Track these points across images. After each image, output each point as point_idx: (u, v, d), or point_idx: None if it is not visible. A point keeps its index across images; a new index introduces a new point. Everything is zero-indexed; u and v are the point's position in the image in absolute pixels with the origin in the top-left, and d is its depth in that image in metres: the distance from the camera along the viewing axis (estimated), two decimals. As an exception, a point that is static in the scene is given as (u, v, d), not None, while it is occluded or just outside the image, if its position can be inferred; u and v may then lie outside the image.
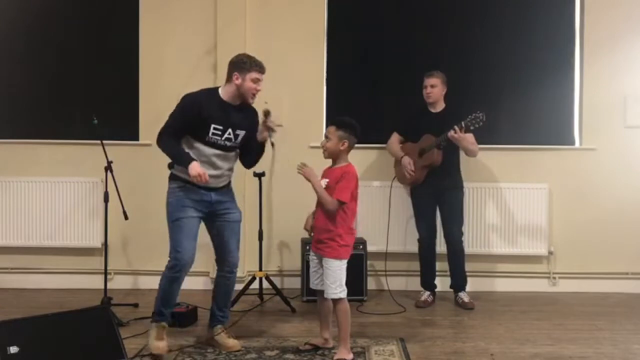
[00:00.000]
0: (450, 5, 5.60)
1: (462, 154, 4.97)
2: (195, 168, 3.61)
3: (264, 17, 5.47)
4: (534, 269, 5.47)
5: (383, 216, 5.25)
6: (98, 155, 4.55)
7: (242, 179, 5.30)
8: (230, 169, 3.92)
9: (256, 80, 3.76)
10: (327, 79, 5.56)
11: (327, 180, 3.71)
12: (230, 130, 3.76)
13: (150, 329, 3.86)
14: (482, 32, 5.54)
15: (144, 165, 5.39)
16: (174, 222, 3.76)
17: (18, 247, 5.44)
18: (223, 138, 3.75)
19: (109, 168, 4.51)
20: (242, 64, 3.76)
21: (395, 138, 5.13)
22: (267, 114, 3.86)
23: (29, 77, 5.60)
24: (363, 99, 5.57)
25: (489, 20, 5.56)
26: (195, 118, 3.70)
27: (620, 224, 5.40)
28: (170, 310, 3.90)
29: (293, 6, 5.50)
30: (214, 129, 3.72)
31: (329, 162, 3.82)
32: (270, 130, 3.85)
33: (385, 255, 5.17)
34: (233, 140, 3.80)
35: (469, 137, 4.79)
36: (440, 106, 4.99)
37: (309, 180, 3.70)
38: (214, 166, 3.77)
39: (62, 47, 5.59)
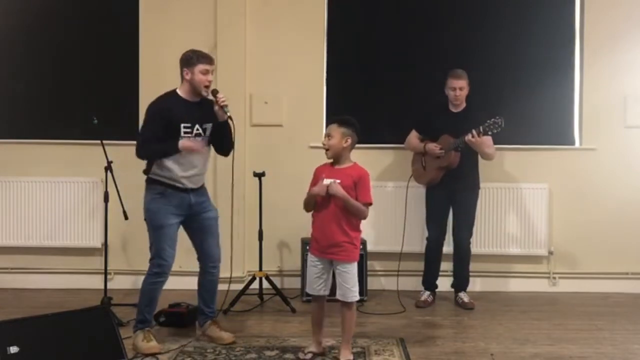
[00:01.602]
0: (451, 5, 5.60)
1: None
2: (185, 142, 3.77)
3: (264, 17, 5.48)
4: (534, 269, 5.47)
5: (388, 216, 5.24)
6: (98, 155, 4.55)
7: (242, 179, 5.30)
8: (205, 167, 4.00)
9: (205, 72, 3.84)
10: (327, 79, 5.56)
11: (339, 180, 3.61)
12: (197, 125, 3.86)
13: (135, 336, 3.87)
14: (482, 32, 5.54)
15: (143, 165, 5.37)
16: (159, 229, 3.85)
17: (18, 247, 5.44)
18: (193, 134, 3.86)
19: (109, 168, 4.51)
20: (189, 59, 3.87)
21: (414, 134, 5.08)
22: (215, 92, 3.87)
23: (29, 77, 5.60)
24: (363, 99, 5.57)
25: (489, 20, 5.56)
26: (167, 123, 3.80)
27: (620, 224, 5.40)
28: (152, 314, 3.97)
29: (293, 6, 5.50)
30: (184, 127, 3.82)
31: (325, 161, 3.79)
32: (223, 107, 3.84)
33: (400, 255, 5.13)
34: (203, 134, 3.90)
35: (487, 141, 4.74)
36: (461, 106, 4.94)
37: (337, 195, 3.56)
38: (192, 165, 3.88)
39: (62, 47, 5.59)
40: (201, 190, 3.99)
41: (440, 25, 5.57)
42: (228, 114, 3.84)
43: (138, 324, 3.90)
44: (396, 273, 5.29)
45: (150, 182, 3.91)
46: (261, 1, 5.48)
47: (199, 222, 3.97)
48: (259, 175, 5.02)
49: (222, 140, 3.97)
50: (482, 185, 5.28)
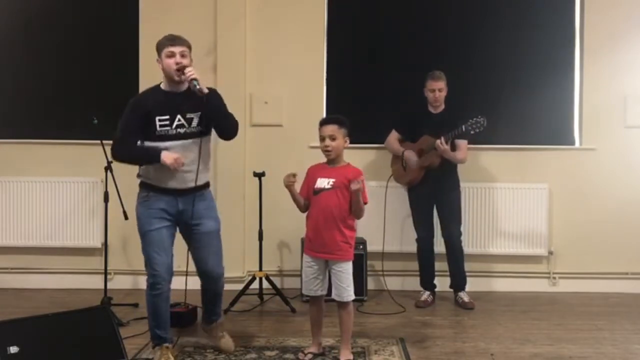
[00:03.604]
0: (451, 5, 5.59)
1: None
2: (168, 156, 3.43)
3: (264, 17, 5.48)
4: (534, 269, 5.47)
5: (380, 216, 5.24)
6: (98, 155, 4.55)
7: (242, 179, 5.31)
8: (197, 164, 3.57)
9: (170, 54, 3.49)
10: (327, 79, 5.56)
11: (334, 180, 3.62)
12: (179, 116, 3.53)
13: (154, 352, 3.65)
14: (482, 32, 5.54)
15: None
16: (143, 236, 3.59)
17: (18, 247, 5.44)
18: (173, 126, 3.53)
19: (109, 168, 4.51)
20: (157, 47, 3.57)
21: (394, 136, 5.12)
22: (181, 69, 3.49)
23: (29, 77, 5.60)
24: (363, 99, 5.57)
25: (489, 20, 5.56)
26: (142, 117, 3.52)
27: (620, 224, 5.40)
28: (165, 332, 3.65)
29: (293, 6, 5.50)
30: (160, 120, 3.51)
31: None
32: (191, 81, 3.47)
33: (382, 255, 5.17)
34: (187, 125, 3.55)
35: (462, 144, 4.84)
36: (440, 107, 4.98)
37: (359, 191, 3.54)
38: None
39: (62, 47, 5.59)
40: (193, 195, 3.59)
41: (440, 25, 5.57)
42: (197, 87, 3.45)
43: (152, 340, 3.68)
44: (395, 273, 5.33)
45: (140, 186, 3.65)
46: (261, 1, 5.48)
47: (192, 235, 3.65)
48: (259, 175, 5.02)
49: (215, 124, 3.62)
50: (481, 185, 5.33)
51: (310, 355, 3.74)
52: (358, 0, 5.66)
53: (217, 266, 3.74)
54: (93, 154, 4.85)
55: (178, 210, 3.60)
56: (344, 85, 5.60)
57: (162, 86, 3.64)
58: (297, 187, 3.73)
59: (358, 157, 5.21)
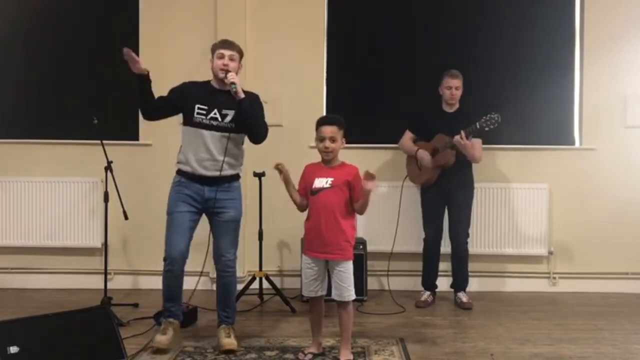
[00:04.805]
0: (451, 5, 5.60)
1: None
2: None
3: (264, 17, 5.48)
4: (534, 269, 5.48)
5: (388, 216, 5.24)
6: (98, 155, 4.55)
7: (242, 178, 5.29)
8: (229, 156, 3.86)
9: (221, 56, 3.87)
10: (327, 79, 5.56)
11: (332, 179, 3.62)
12: (215, 110, 3.84)
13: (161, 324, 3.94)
14: (482, 32, 5.54)
15: (144, 165, 5.40)
16: (167, 216, 3.87)
17: (18, 247, 5.44)
18: (208, 117, 3.83)
19: (109, 168, 4.52)
20: (211, 48, 3.97)
21: (407, 136, 5.11)
22: (225, 72, 3.83)
23: (29, 77, 5.61)
24: (363, 99, 5.57)
25: (489, 20, 5.56)
26: (180, 96, 3.89)
27: (620, 224, 5.40)
28: (174, 306, 3.91)
29: (293, 6, 5.50)
30: (199, 108, 3.84)
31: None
32: (231, 84, 3.79)
33: (390, 255, 5.16)
34: (220, 120, 3.84)
35: (475, 144, 4.79)
36: (455, 106, 4.97)
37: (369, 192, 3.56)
38: (207, 149, 3.83)
39: (62, 47, 5.59)
40: (222, 185, 3.87)
41: (440, 25, 5.58)
42: (234, 89, 3.75)
43: (163, 312, 3.95)
44: (402, 273, 5.33)
45: (176, 173, 3.94)
46: (261, 1, 5.48)
47: (214, 221, 3.93)
48: (259, 175, 5.02)
49: (245, 126, 3.87)
50: (482, 185, 5.29)
51: (310, 355, 3.74)
52: (358, 0, 5.66)
53: (227, 250, 3.93)
54: (93, 154, 4.84)
55: (204, 198, 3.86)
56: (344, 85, 5.60)
57: (212, 83, 3.98)
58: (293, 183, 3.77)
59: (360, 157, 5.23)
